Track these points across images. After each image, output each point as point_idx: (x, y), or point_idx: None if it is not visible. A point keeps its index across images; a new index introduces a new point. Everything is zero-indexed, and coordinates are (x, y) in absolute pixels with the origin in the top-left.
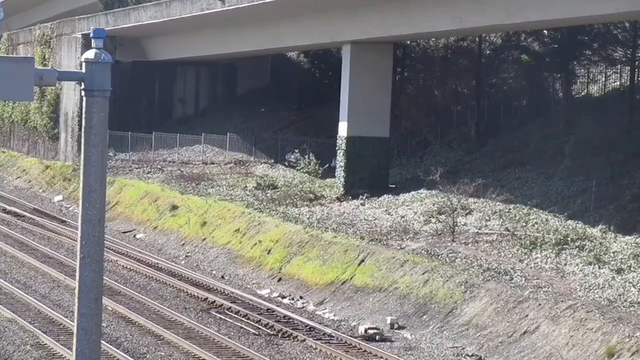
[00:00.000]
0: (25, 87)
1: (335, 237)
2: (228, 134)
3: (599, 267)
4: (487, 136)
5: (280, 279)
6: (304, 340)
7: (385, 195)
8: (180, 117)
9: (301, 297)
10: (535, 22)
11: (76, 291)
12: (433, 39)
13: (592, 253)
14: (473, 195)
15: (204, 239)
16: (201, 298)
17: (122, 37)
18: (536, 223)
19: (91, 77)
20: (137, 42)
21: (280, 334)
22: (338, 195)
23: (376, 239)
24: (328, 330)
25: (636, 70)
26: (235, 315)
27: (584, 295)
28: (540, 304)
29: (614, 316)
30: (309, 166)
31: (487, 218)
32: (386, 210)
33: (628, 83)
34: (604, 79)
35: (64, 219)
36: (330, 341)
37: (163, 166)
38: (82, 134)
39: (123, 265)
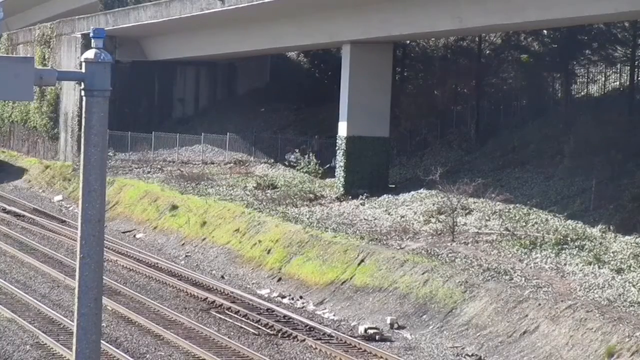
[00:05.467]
0: (25, 87)
1: (335, 237)
2: (228, 133)
3: (599, 267)
4: (486, 136)
5: (280, 279)
6: (304, 340)
7: (385, 195)
8: (180, 117)
9: (301, 297)
10: (535, 22)
11: (76, 291)
12: (433, 39)
13: (592, 253)
14: (473, 195)
15: (204, 239)
16: (201, 298)
17: (122, 37)
18: (536, 223)
19: (91, 77)
20: (136, 42)
21: (280, 334)
22: (338, 195)
23: (376, 239)
24: (328, 330)
25: (636, 70)
26: (235, 315)
27: (583, 295)
28: (540, 304)
29: (613, 316)
30: (309, 166)
31: (487, 218)
32: (386, 210)
33: (628, 83)
34: (603, 79)
35: (63, 219)
36: (330, 341)
37: (163, 166)
38: (82, 134)
39: (123, 265)
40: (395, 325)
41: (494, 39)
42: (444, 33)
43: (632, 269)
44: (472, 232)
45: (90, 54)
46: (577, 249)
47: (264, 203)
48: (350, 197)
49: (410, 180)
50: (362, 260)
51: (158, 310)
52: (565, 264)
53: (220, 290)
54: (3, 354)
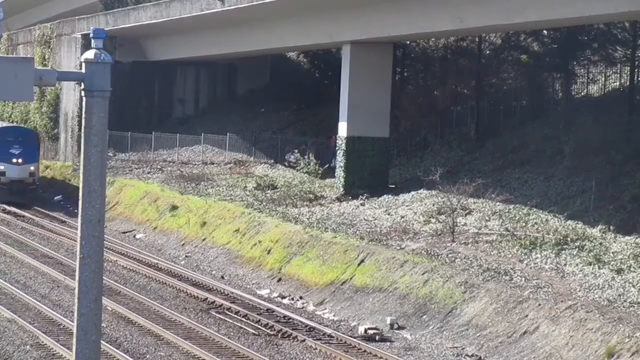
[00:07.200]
0: (25, 87)
1: (335, 237)
2: (228, 134)
3: (599, 267)
4: (486, 136)
5: (280, 279)
6: (304, 340)
7: (385, 195)
8: (180, 117)
9: (301, 297)
10: (535, 22)
11: (76, 291)
12: (433, 39)
13: (592, 253)
14: (473, 196)
15: (204, 239)
16: (201, 298)
17: (122, 38)
18: (536, 223)
19: (91, 77)
20: (137, 42)
21: (280, 334)
22: (338, 195)
23: (376, 239)
24: (328, 331)
25: (636, 70)
26: (235, 316)
27: (583, 296)
28: (540, 304)
29: (613, 316)
30: (309, 166)
31: (487, 218)
32: (386, 210)
33: (628, 83)
34: (603, 79)
35: (63, 219)
36: (330, 341)
37: (163, 166)
38: (82, 134)
39: (123, 266)
40: (395, 326)
41: (494, 39)
42: (444, 33)
43: (632, 269)
44: (472, 232)
45: (90, 54)
46: (577, 249)
47: (264, 203)
48: (350, 197)
49: (410, 180)
50: (362, 261)
51: (158, 311)
52: (565, 264)
53: (220, 291)
54: (3, 354)
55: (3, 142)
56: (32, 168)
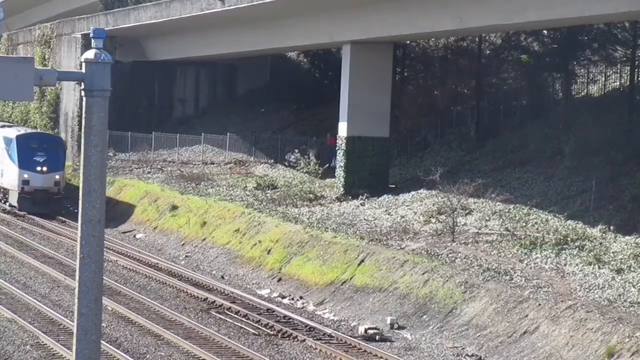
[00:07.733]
0: (25, 87)
1: (335, 237)
2: (228, 134)
3: (599, 267)
4: (487, 136)
5: (280, 279)
6: (304, 340)
7: (385, 195)
8: (180, 117)
9: (301, 297)
10: (535, 22)
11: (76, 291)
12: (433, 39)
13: (592, 253)
14: (473, 195)
15: (204, 239)
16: (201, 298)
17: (122, 37)
18: (536, 223)
19: (91, 77)
20: (137, 42)
21: (280, 334)
22: (338, 195)
23: (376, 239)
24: (328, 331)
25: (636, 70)
26: (235, 316)
27: (583, 296)
28: (540, 304)
29: (613, 316)
30: (309, 166)
31: (487, 218)
32: (386, 210)
33: (628, 83)
34: (603, 79)
35: (63, 219)
36: (330, 341)
37: (163, 166)
38: (82, 134)
39: (123, 265)
40: (396, 326)
41: (494, 39)
42: (444, 33)
43: (632, 269)
44: (472, 232)
45: (90, 54)
46: (577, 249)
47: (264, 203)
48: (350, 197)
49: (410, 180)
50: (362, 261)
51: (158, 311)
52: (565, 264)
53: (220, 291)
54: (3, 354)
55: (27, 149)
56: (57, 177)
